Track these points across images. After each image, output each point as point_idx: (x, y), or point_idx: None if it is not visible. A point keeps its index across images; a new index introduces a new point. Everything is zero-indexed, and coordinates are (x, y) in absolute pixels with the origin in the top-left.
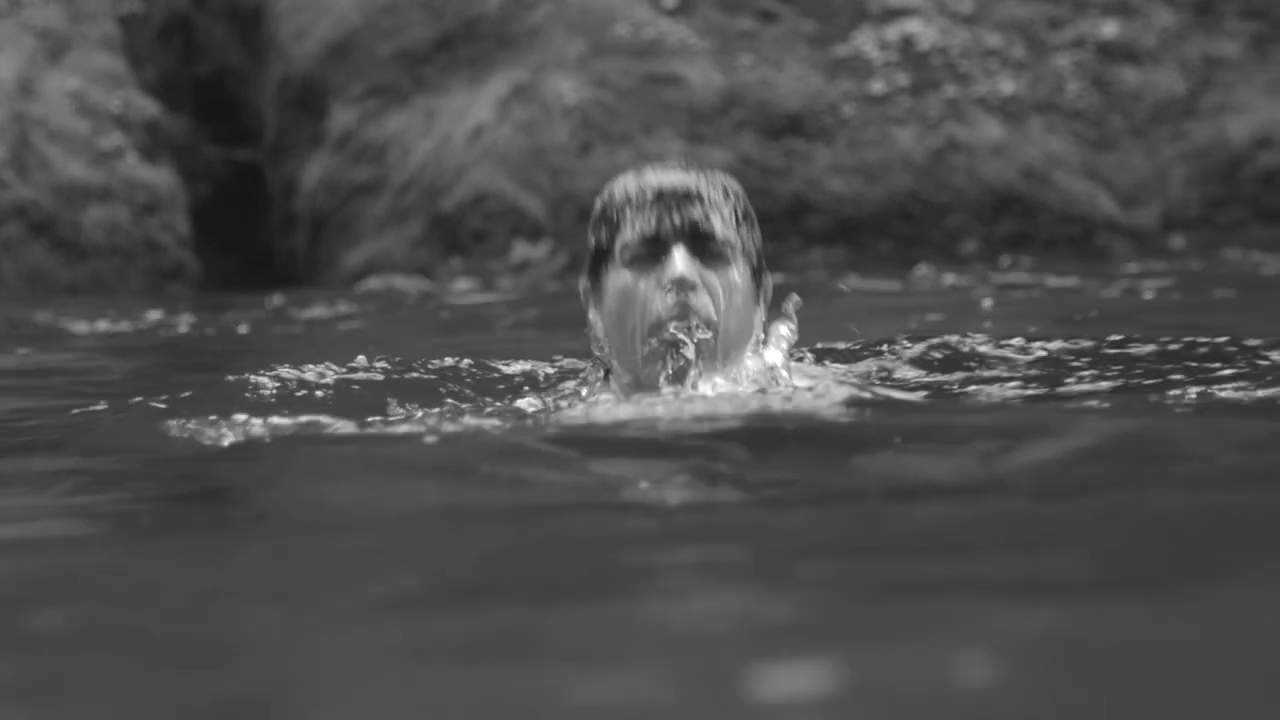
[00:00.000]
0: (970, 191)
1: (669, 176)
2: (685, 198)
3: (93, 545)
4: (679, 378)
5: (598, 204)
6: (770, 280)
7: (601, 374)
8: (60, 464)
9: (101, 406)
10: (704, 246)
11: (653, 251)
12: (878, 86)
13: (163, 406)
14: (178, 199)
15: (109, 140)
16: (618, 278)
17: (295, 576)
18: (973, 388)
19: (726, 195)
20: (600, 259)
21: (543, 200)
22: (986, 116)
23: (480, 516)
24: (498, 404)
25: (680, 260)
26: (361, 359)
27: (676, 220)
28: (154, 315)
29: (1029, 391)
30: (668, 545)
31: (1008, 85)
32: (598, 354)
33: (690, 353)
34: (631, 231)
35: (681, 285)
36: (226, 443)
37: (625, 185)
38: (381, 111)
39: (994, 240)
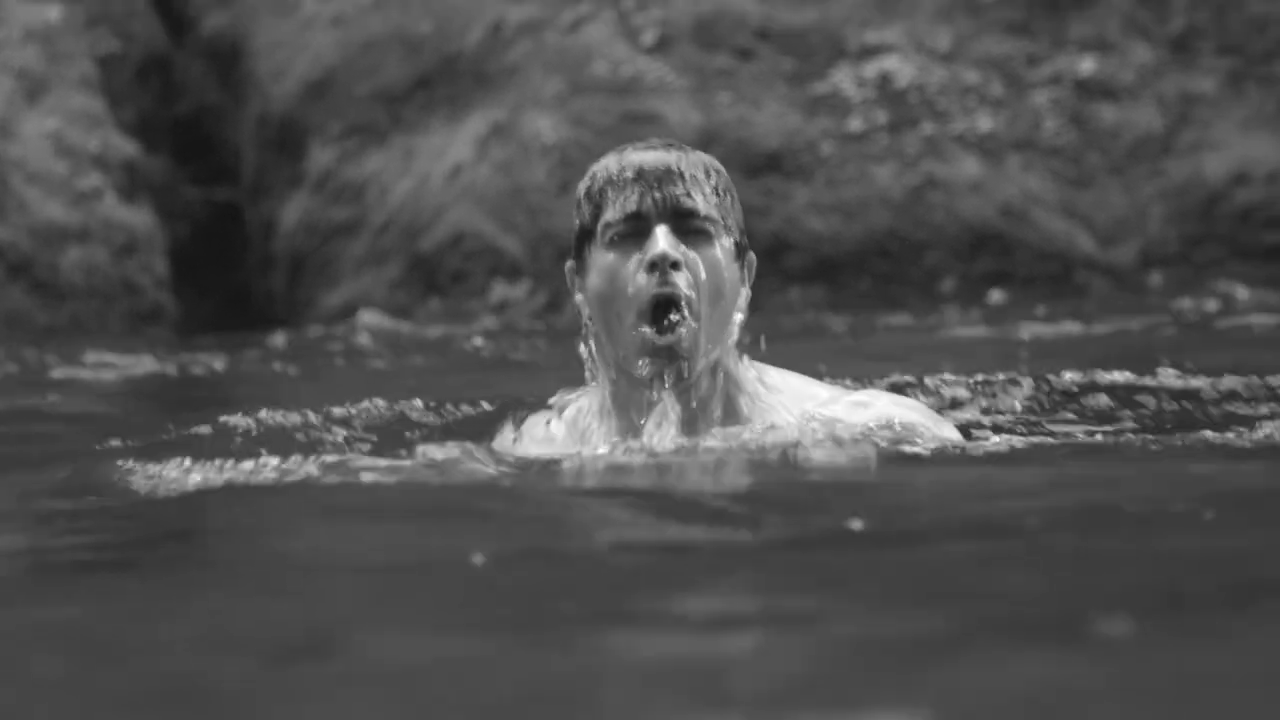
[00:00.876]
0: (948, 229)
1: (649, 155)
2: (666, 175)
3: (75, 590)
4: (667, 377)
5: (581, 186)
6: (753, 257)
7: (601, 389)
8: (45, 506)
9: (93, 450)
10: (686, 223)
11: (635, 230)
12: (856, 124)
13: (151, 450)
14: (156, 240)
15: (87, 181)
16: (601, 258)
17: (281, 622)
18: (999, 426)
19: (708, 173)
20: (584, 240)
21: (521, 240)
22: (964, 154)
23: (477, 560)
24: (495, 445)
25: (662, 238)
26: (364, 400)
27: (658, 197)
28: (140, 357)
29: (1056, 431)
30: (677, 590)
31: (985, 122)
32: (584, 348)
33: (669, 358)
34: (613, 210)
35: (664, 262)
36: (213, 486)
37: (607, 165)
38: (360, 151)
39: (972, 278)
